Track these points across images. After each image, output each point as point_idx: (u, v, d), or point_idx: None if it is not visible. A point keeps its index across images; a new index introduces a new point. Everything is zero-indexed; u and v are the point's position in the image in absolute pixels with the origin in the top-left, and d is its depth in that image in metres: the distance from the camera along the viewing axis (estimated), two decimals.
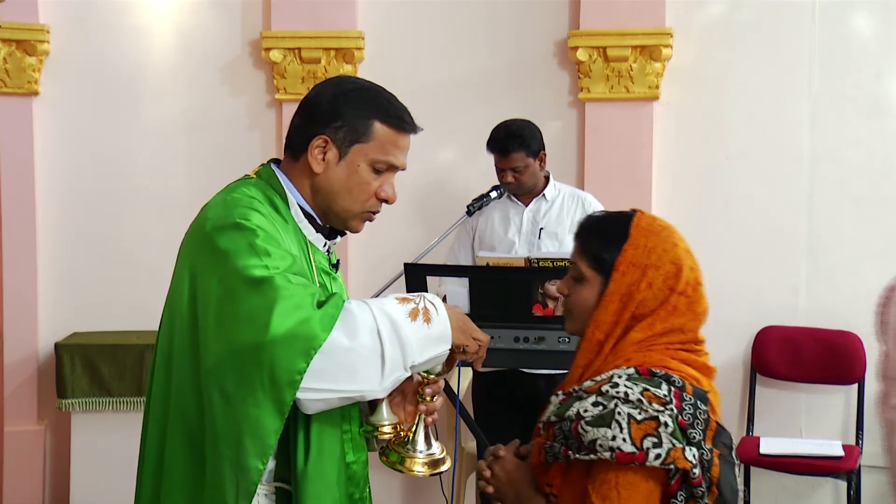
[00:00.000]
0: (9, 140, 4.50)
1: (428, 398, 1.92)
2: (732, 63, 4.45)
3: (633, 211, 1.95)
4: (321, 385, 1.71)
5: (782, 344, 4.38)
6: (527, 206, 3.92)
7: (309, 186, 1.93)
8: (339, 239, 2.04)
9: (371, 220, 1.99)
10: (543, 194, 3.91)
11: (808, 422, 4.46)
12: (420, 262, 3.45)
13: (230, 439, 1.74)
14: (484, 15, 4.59)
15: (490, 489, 1.95)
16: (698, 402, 1.81)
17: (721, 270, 4.35)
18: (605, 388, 1.80)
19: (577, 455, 1.78)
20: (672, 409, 1.77)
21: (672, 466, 1.74)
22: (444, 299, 3.21)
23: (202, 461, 1.80)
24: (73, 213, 4.64)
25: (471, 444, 3.99)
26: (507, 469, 1.94)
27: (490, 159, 3.88)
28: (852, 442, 4.27)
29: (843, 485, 4.22)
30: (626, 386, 1.78)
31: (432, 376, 1.91)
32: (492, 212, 3.94)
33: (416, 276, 3.14)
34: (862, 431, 4.28)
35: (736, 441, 4.12)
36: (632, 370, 1.82)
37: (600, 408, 1.78)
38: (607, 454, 1.74)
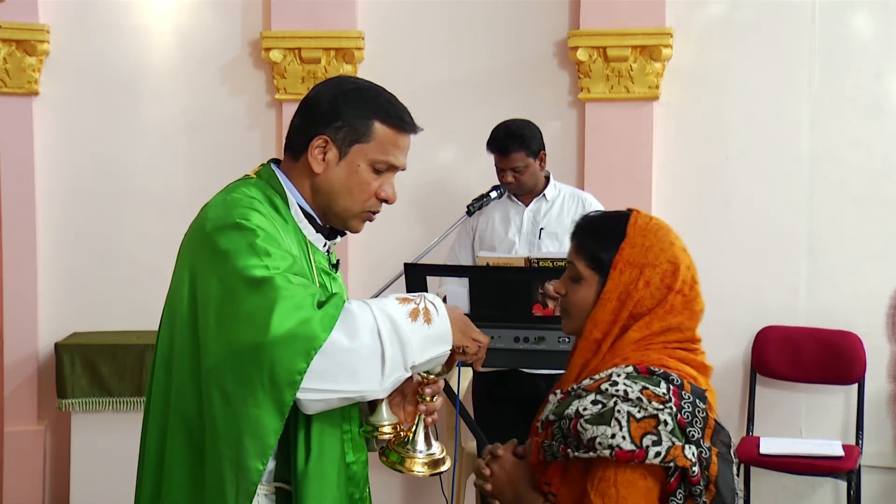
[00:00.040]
0: (9, 140, 4.50)
1: (428, 398, 1.92)
2: (732, 63, 4.45)
3: (630, 210, 1.95)
4: (321, 385, 1.71)
5: (782, 344, 4.38)
6: (527, 206, 3.92)
7: (309, 186, 1.93)
8: (339, 239, 2.04)
9: (371, 220, 1.99)
10: (544, 194, 3.91)
11: (808, 422, 4.46)
12: (420, 262, 3.45)
13: (230, 439, 1.74)
14: (484, 15, 4.59)
15: (488, 487, 1.95)
16: (697, 400, 1.82)
17: (721, 270, 4.36)
18: (604, 386, 1.80)
19: (577, 453, 1.78)
20: (671, 408, 1.77)
21: (672, 464, 1.74)
22: (445, 300, 3.21)
23: (202, 461, 1.80)
24: (73, 213, 4.64)
25: (471, 444, 3.99)
26: (505, 468, 1.94)
27: (490, 159, 3.88)
28: (852, 442, 4.27)
29: (843, 485, 4.22)
30: (625, 384, 1.79)
31: (432, 376, 1.91)
32: (492, 212, 3.94)
33: (416, 276, 3.14)
34: (862, 431, 4.28)
35: (736, 441, 4.11)
36: (630, 369, 1.82)
37: (600, 406, 1.78)
38: (607, 452, 1.74)
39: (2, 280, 4.48)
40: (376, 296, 3.37)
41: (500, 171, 3.84)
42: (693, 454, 1.76)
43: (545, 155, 3.88)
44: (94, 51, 4.62)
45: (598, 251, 1.90)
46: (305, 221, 1.95)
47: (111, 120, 4.64)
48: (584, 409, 1.79)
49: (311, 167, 1.91)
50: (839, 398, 4.42)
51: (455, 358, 1.89)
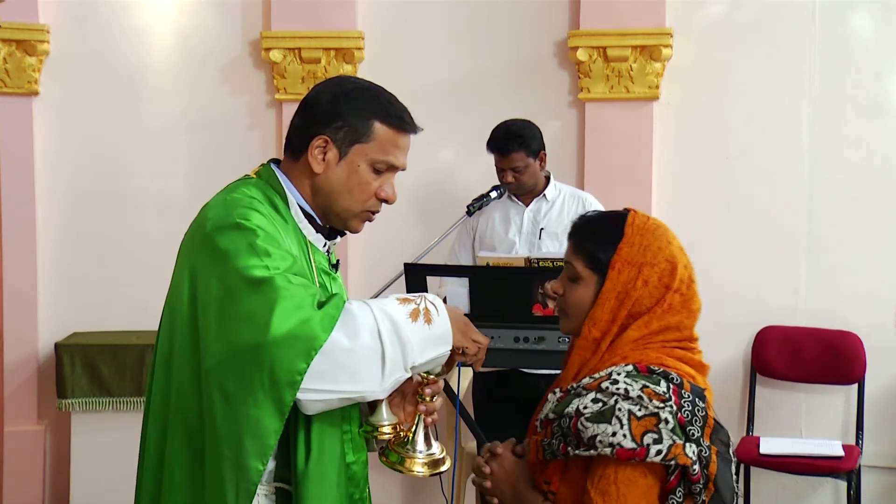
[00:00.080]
0: (9, 140, 4.50)
1: (427, 398, 1.92)
2: (732, 63, 4.44)
3: (627, 210, 1.96)
4: (322, 386, 1.71)
5: (782, 344, 4.38)
6: (527, 206, 3.92)
7: (309, 186, 1.93)
8: (338, 239, 2.04)
9: (371, 220, 1.99)
10: (544, 194, 3.91)
11: (808, 422, 4.46)
12: (420, 262, 3.45)
13: (230, 439, 1.74)
14: (484, 15, 4.59)
15: (488, 484, 1.95)
16: (696, 399, 1.82)
17: (721, 270, 4.36)
18: (604, 384, 1.81)
19: (577, 451, 1.78)
20: (672, 406, 1.78)
21: (672, 462, 1.75)
22: (445, 300, 3.21)
23: (202, 461, 1.80)
24: (73, 213, 4.64)
25: (471, 444, 3.99)
26: (504, 466, 1.95)
27: (490, 159, 3.88)
28: (852, 442, 4.26)
29: (843, 485, 4.22)
30: (625, 383, 1.79)
31: (432, 377, 1.91)
32: (492, 212, 3.94)
33: (416, 276, 3.14)
34: (862, 431, 4.28)
35: (736, 441, 4.12)
36: (630, 367, 1.83)
37: (600, 404, 1.78)
38: (608, 450, 1.75)
39: (2, 280, 4.48)
40: (376, 296, 3.38)
41: (500, 171, 3.84)
42: (693, 452, 1.76)
43: (545, 155, 3.88)
44: (94, 51, 4.62)
45: (595, 251, 1.90)
46: (305, 221, 1.95)
47: (111, 120, 4.64)
48: (585, 408, 1.79)
49: (312, 167, 1.91)
50: (839, 398, 4.42)
51: (455, 358, 1.89)
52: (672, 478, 1.77)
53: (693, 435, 1.78)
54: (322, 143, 1.90)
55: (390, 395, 1.90)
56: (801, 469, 4.07)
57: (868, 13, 4.38)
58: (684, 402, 1.80)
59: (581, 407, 1.80)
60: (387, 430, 1.93)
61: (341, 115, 1.89)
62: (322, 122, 1.90)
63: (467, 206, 3.85)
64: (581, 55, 4.37)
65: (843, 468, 4.01)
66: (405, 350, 1.76)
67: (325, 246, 2.00)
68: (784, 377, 4.41)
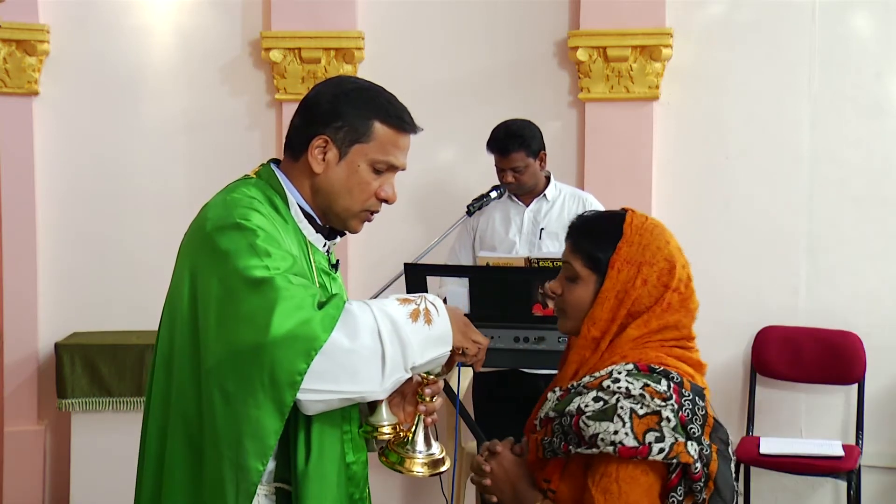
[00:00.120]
0: (9, 140, 4.50)
1: (427, 399, 1.92)
2: (732, 63, 4.44)
3: (624, 210, 1.96)
4: (322, 386, 1.71)
5: (782, 344, 4.38)
6: (528, 206, 3.92)
7: (309, 186, 1.93)
8: (338, 239, 2.04)
9: (370, 220, 1.99)
10: (544, 194, 3.91)
11: (808, 422, 4.46)
12: (420, 262, 3.45)
13: (230, 440, 1.74)
14: (484, 15, 4.59)
15: (487, 482, 1.95)
16: (696, 398, 1.83)
17: (721, 270, 4.36)
18: (605, 383, 1.81)
19: (578, 450, 1.79)
20: (673, 405, 1.78)
21: (675, 460, 1.75)
22: (445, 300, 3.21)
23: (202, 461, 1.80)
24: (73, 213, 4.64)
25: (471, 444, 3.99)
26: (503, 465, 1.95)
27: (490, 159, 3.88)
28: (852, 442, 4.26)
29: (843, 485, 4.22)
30: (627, 381, 1.79)
31: (432, 377, 1.91)
32: (493, 212, 3.94)
33: (416, 276, 3.14)
34: (862, 431, 4.28)
35: (736, 441, 4.12)
36: (631, 366, 1.83)
37: (602, 403, 1.79)
38: (610, 448, 1.75)
39: (2, 280, 4.48)
40: (376, 296, 3.38)
41: (501, 171, 3.84)
42: (695, 451, 1.77)
43: (545, 155, 3.88)
44: (94, 51, 4.62)
45: (594, 251, 1.90)
46: (305, 221, 1.95)
47: (111, 120, 4.64)
48: (586, 406, 1.80)
49: (312, 167, 1.91)
50: (839, 398, 4.42)
51: (455, 359, 1.89)
52: (673, 476, 1.78)
53: (694, 433, 1.79)
54: (322, 143, 1.90)
55: (390, 396, 1.89)
56: (801, 469, 4.07)
57: (868, 13, 4.38)
58: (685, 400, 1.80)
59: (582, 405, 1.80)
60: (387, 430, 1.93)
61: (341, 114, 1.89)
62: (322, 122, 1.90)
63: (467, 206, 3.85)
64: (581, 55, 4.37)
65: (843, 468, 4.01)
66: (405, 350, 1.76)
67: (324, 246, 2.00)
68: (784, 377, 4.41)
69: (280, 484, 1.86)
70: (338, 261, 2.06)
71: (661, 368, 1.83)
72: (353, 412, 1.89)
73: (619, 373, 1.82)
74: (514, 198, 3.93)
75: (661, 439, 1.75)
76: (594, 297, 1.90)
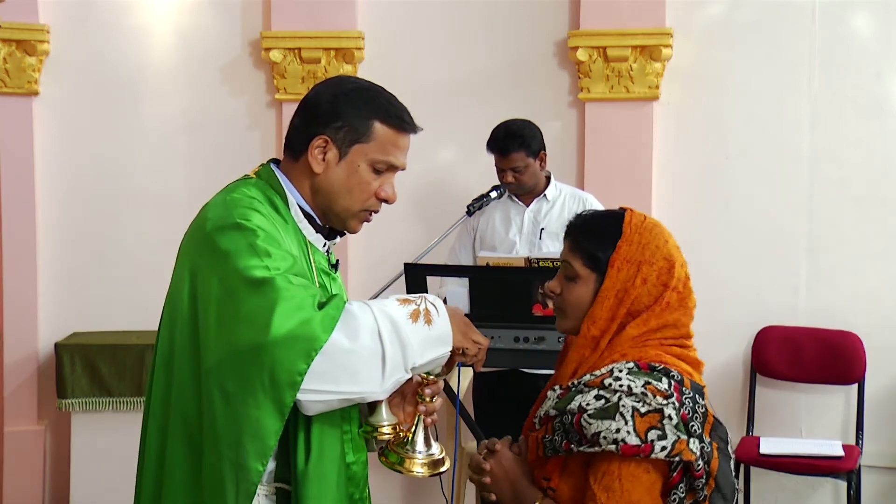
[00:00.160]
0: (9, 140, 4.50)
1: (427, 399, 1.92)
2: (732, 63, 4.44)
3: (622, 209, 1.96)
4: (322, 386, 1.71)
5: (782, 344, 4.38)
6: (528, 206, 3.92)
7: (309, 187, 1.93)
8: (338, 239, 2.04)
9: (369, 220, 1.99)
10: (545, 194, 3.91)
11: (808, 422, 4.46)
12: (420, 262, 3.45)
13: (230, 440, 1.74)
14: (484, 15, 4.59)
15: (487, 479, 1.95)
16: (696, 396, 1.84)
17: (721, 270, 4.36)
18: (607, 381, 1.81)
19: (580, 448, 1.79)
20: (674, 403, 1.79)
21: (677, 458, 1.76)
22: (445, 300, 3.21)
23: (202, 461, 1.80)
24: (73, 213, 4.64)
25: (471, 444, 3.98)
26: (502, 463, 1.95)
27: (490, 159, 3.88)
28: (852, 442, 4.26)
29: (843, 485, 4.22)
30: (628, 379, 1.80)
31: (432, 377, 1.91)
32: (493, 212, 3.94)
33: (416, 276, 3.14)
34: (862, 431, 4.28)
35: (736, 441, 4.12)
36: (632, 364, 1.84)
37: (603, 401, 1.79)
38: (612, 447, 1.75)
39: (2, 280, 4.48)
40: (376, 296, 3.38)
41: (501, 172, 3.84)
42: (697, 448, 1.78)
43: (545, 155, 3.88)
44: (94, 51, 4.62)
45: (594, 250, 1.91)
46: (305, 222, 1.95)
47: (111, 120, 4.64)
48: (588, 404, 1.80)
49: (311, 167, 1.91)
50: (839, 398, 4.42)
51: (455, 359, 1.89)
52: (675, 474, 1.79)
53: (695, 431, 1.79)
54: (322, 143, 1.90)
55: (390, 396, 1.89)
56: (801, 469, 4.07)
57: (868, 13, 4.38)
58: (685, 398, 1.81)
59: (584, 403, 1.80)
60: (386, 430, 1.93)
61: (341, 115, 1.89)
62: (322, 122, 1.90)
63: (467, 206, 3.85)
64: (581, 55, 4.37)
65: (843, 468, 4.01)
66: (405, 351, 1.76)
67: (324, 246, 2.00)
68: (784, 377, 4.41)
69: (280, 484, 1.86)
70: (337, 261, 2.06)
71: (662, 367, 1.84)
72: (353, 412, 1.89)
73: (621, 371, 1.82)
74: (514, 198, 3.93)
75: (663, 437, 1.75)
76: (594, 296, 1.90)
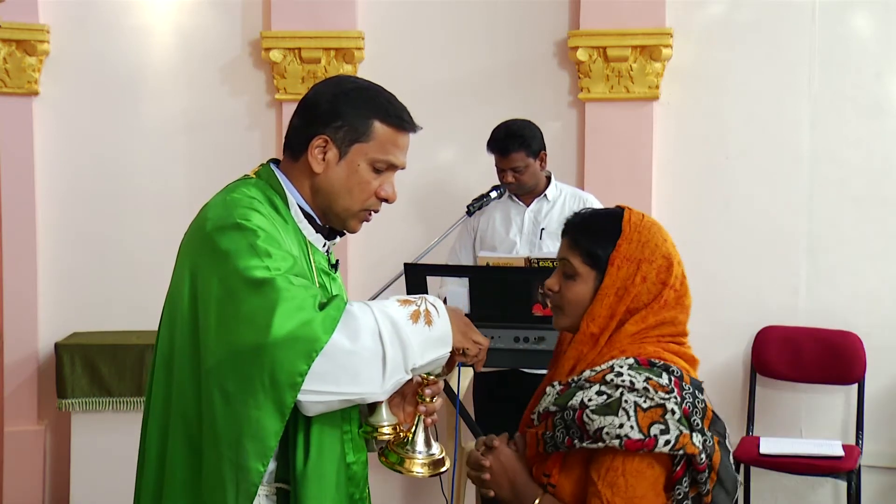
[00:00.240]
0: (9, 140, 4.50)
1: (427, 399, 1.92)
2: (732, 63, 4.44)
3: (621, 208, 1.97)
4: (322, 387, 1.71)
5: (782, 344, 4.38)
6: (528, 206, 3.92)
7: (309, 186, 1.93)
8: (338, 239, 2.04)
9: (368, 220, 1.99)
10: (545, 194, 3.91)
11: (808, 422, 4.46)
12: (420, 262, 3.45)
13: (230, 440, 1.74)
14: (484, 15, 4.59)
15: (487, 476, 1.95)
16: (696, 390, 1.85)
17: (721, 270, 4.36)
18: (608, 377, 1.82)
19: (583, 444, 1.79)
20: (676, 397, 1.80)
21: (681, 452, 1.77)
22: (445, 300, 3.21)
23: (202, 462, 1.80)
24: (73, 213, 4.64)
25: (471, 444, 3.97)
26: (501, 460, 1.95)
27: (490, 159, 3.88)
28: (852, 442, 4.26)
29: (843, 485, 4.22)
30: (630, 375, 1.80)
31: (432, 377, 1.91)
32: (493, 212, 3.94)
33: (416, 277, 3.14)
34: (862, 431, 4.28)
35: (736, 441, 4.12)
36: (632, 360, 1.84)
37: (605, 397, 1.80)
38: (615, 442, 1.76)
39: (2, 280, 4.47)
40: (376, 296, 3.38)
41: (501, 172, 3.84)
42: (699, 442, 1.79)
43: (546, 155, 3.88)
44: (94, 51, 4.62)
45: (594, 248, 1.91)
46: (305, 222, 1.95)
47: (111, 120, 4.64)
48: (590, 400, 1.80)
49: (311, 167, 1.90)
50: (839, 398, 4.42)
51: (455, 359, 1.89)
52: (678, 468, 1.79)
53: (697, 425, 1.80)
54: (322, 143, 1.90)
55: (390, 396, 1.89)
56: (801, 469, 4.07)
57: (868, 13, 4.38)
58: (686, 393, 1.82)
59: (585, 399, 1.81)
60: (386, 430, 1.93)
61: (341, 114, 1.89)
62: (322, 122, 1.90)
63: (467, 206, 3.85)
64: (581, 55, 4.37)
65: (843, 468, 4.00)
66: (406, 352, 1.76)
67: (324, 246, 2.00)
68: (784, 377, 4.41)
69: (281, 484, 1.86)
70: (337, 261, 2.06)
71: (661, 362, 1.85)
72: (353, 412, 1.89)
73: (621, 367, 1.83)
74: (514, 198, 3.93)
75: (666, 431, 1.76)
76: (593, 293, 1.90)
